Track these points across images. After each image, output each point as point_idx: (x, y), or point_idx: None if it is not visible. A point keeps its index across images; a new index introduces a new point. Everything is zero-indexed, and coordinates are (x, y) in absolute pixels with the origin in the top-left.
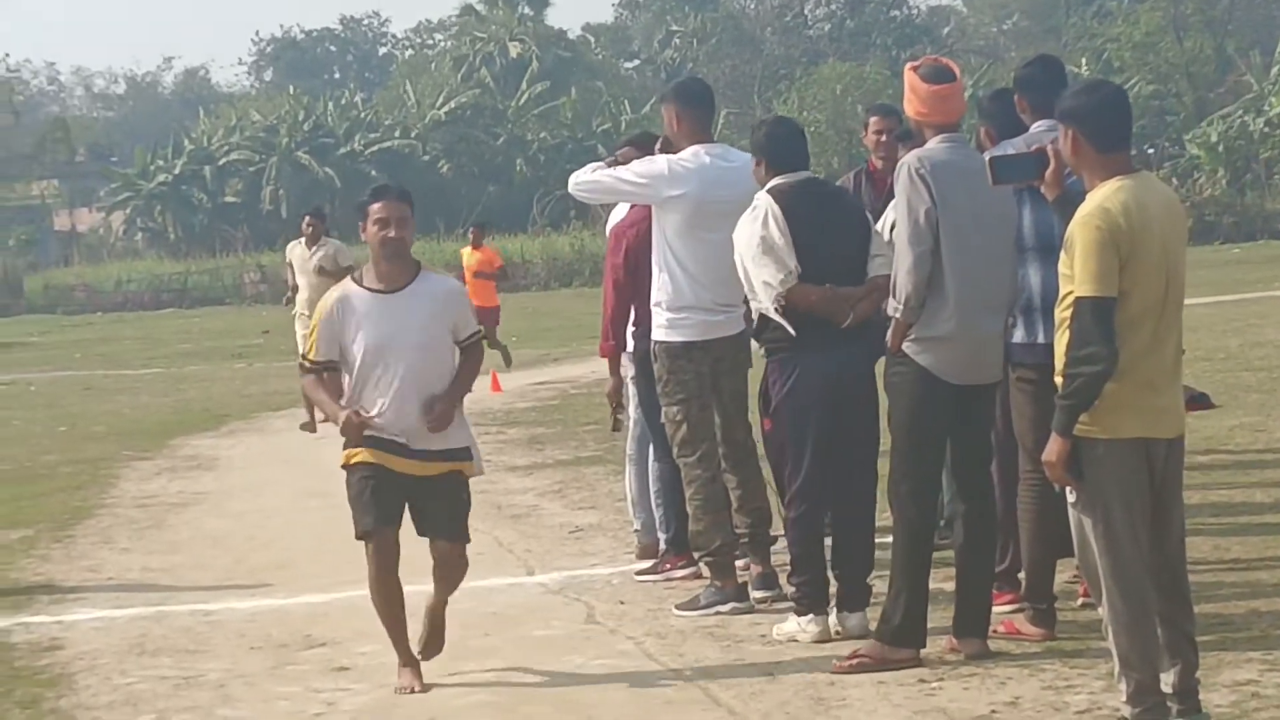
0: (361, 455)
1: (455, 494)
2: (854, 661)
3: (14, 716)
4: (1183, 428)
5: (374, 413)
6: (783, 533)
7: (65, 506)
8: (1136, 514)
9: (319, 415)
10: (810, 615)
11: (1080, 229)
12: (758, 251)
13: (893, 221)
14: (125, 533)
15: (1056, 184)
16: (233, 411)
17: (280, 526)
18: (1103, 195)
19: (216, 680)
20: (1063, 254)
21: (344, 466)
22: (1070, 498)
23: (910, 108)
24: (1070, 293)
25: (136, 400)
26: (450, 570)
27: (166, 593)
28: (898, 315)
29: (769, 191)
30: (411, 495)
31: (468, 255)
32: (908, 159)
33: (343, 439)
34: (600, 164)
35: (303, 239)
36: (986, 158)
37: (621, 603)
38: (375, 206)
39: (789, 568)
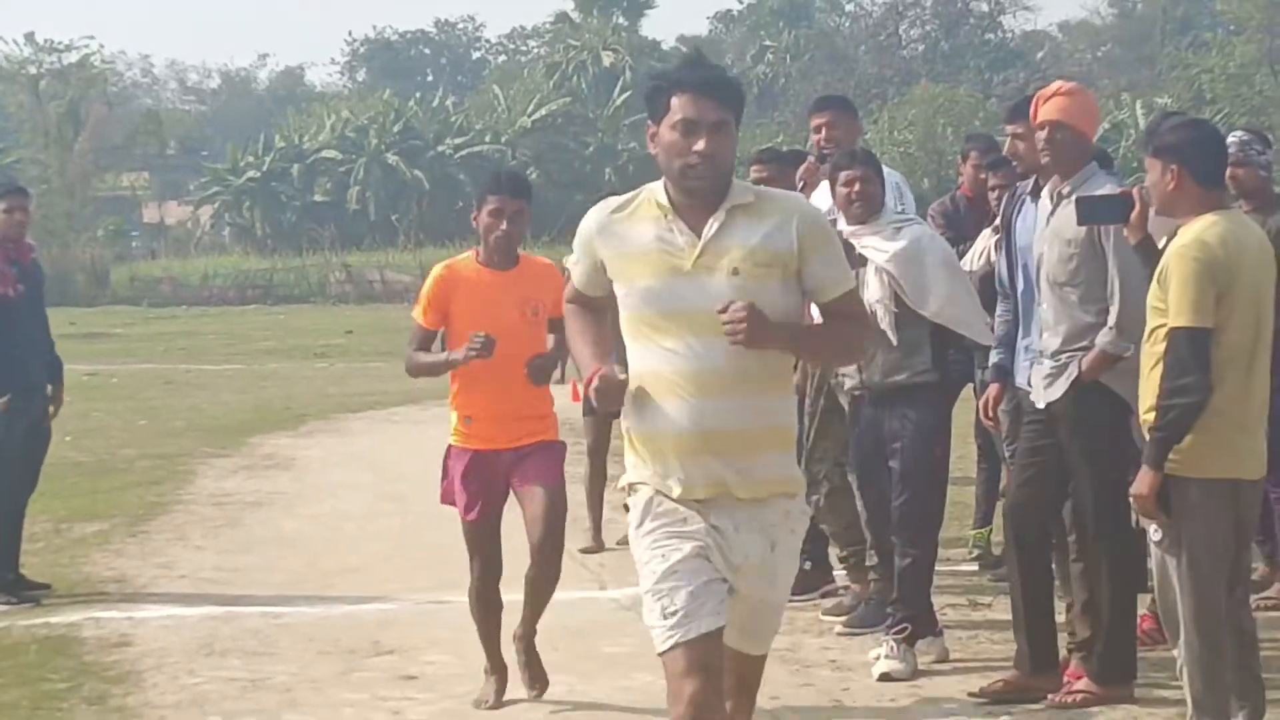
0: None
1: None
2: (1078, 697)
3: (81, 712)
4: (1265, 469)
5: None
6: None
7: (141, 502)
8: (1221, 557)
9: None
10: (929, 637)
11: (1176, 260)
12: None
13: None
14: (199, 530)
15: (1141, 227)
16: (312, 412)
17: (354, 531)
18: (1200, 228)
19: (283, 684)
20: (1153, 286)
21: None
22: (1155, 536)
23: (1094, 127)
24: (1161, 325)
25: (217, 396)
26: None
27: (237, 593)
28: (1117, 350)
29: None
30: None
31: None
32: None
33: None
34: None
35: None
36: (1073, 198)
37: None
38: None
39: (900, 603)
